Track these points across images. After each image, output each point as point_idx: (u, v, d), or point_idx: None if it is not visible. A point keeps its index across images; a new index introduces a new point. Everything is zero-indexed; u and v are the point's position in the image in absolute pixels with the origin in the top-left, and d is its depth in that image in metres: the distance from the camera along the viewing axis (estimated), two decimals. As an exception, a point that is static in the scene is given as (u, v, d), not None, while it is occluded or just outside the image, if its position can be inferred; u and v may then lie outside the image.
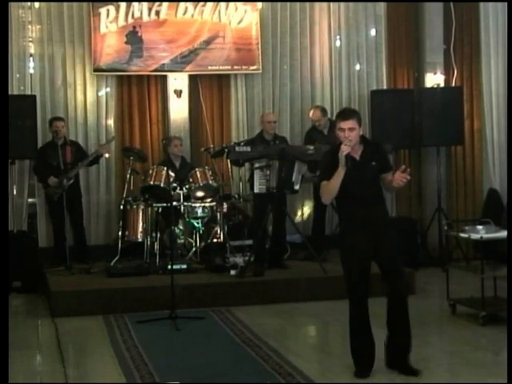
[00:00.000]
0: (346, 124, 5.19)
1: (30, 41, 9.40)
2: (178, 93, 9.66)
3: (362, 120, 5.34)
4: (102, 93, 9.61)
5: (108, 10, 9.40)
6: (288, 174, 8.22)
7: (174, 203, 8.49)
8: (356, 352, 5.32)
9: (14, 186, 9.02)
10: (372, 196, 5.27)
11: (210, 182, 8.79)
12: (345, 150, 5.12)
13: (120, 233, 8.76)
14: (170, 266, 7.22)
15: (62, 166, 8.59)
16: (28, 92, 9.24)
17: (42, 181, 8.97)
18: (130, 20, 9.48)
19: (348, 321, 5.34)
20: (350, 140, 5.16)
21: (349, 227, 5.29)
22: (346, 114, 5.30)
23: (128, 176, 8.95)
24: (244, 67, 9.82)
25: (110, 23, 9.42)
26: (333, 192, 5.22)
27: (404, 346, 5.28)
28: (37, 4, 9.34)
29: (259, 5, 9.85)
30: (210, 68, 9.72)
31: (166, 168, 8.48)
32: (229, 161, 9.11)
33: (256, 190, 8.38)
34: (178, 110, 9.74)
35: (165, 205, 8.51)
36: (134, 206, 8.75)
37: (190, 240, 8.87)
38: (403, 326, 5.28)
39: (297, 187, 8.41)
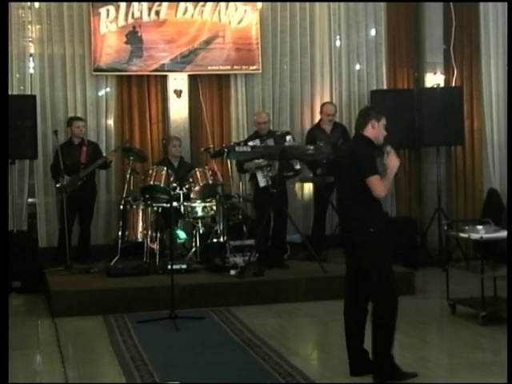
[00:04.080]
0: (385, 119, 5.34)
1: (30, 41, 9.40)
2: (178, 93, 9.66)
3: None
4: (102, 93, 9.61)
5: (108, 10, 9.40)
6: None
7: (174, 203, 8.49)
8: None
9: (14, 186, 9.03)
10: None
11: (210, 181, 8.79)
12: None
13: (120, 233, 8.76)
14: (169, 266, 7.23)
15: (70, 164, 8.66)
16: (28, 92, 9.24)
17: (55, 179, 8.98)
18: (130, 20, 9.48)
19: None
20: None
21: (381, 225, 5.23)
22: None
23: (128, 176, 8.95)
24: (244, 67, 9.82)
25: (109, 23, 9.42)
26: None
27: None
28: (37, 4, 9.34)
29: (259, 5, 9.85)
30: (209, 68, 9.72)
31: (165, 168, 8.48)
32: (229, 162, 9.12)
33: (262, 184, 8.40)
34: (178, 110, 9.74)
35: (165, 205, 8.51)
36: (134, 206, 8.75)
37: (190, 240, 8.87)
38: None
39: (298, 166, 8.40)
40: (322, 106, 9.48)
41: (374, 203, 5.18)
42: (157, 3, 9.51)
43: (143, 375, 5.42)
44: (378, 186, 5.11)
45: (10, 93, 8.57)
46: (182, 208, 8.68)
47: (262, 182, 8.42)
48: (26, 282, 8.37)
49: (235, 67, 9.80)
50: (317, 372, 5.44)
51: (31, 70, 9.38)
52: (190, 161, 9.56)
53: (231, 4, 9.70)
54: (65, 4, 9.37)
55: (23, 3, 9.31)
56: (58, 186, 8.73)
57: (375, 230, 5.14)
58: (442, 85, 10.06)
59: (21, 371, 5.65)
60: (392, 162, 5.16)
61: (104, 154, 9.18)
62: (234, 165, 9.13)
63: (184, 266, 8.09)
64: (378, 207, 5.26)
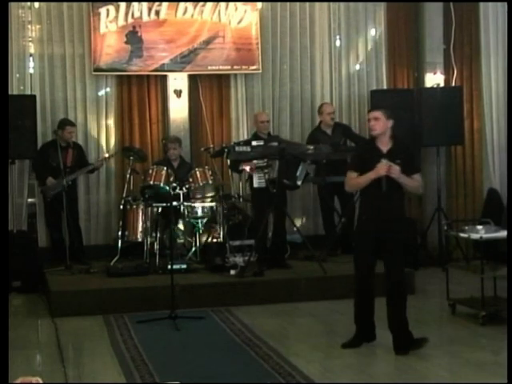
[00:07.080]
0: (372, 114, 5.78)
1: (30, 41, 9.39)
2: (178, 93, 9.66)
3: (390, 115, 5.77)
4: (102, 93, 9.61)
5: (108, 10, 9.40)
6: (293, 167, 8.20)
7: (174, 203, 8.48)
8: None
9: (14, 186, 9.02)
10: (390, 191, 5.70)
11: (210, 181, 8.78)
12: (383, 170, 5.62)
13: (120, 233, 8.77)
14: (169, 266, 7.22)
15: (62, 167, 8.59)
16: (28, 92, 9.23)
17: (40, 180, 8.97)
18: (130, 20, 9.48)
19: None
20: (375, 129, 5.72)
21: (361, 218, 5.88)
22: (373, 107, 6.12)
23: (128, 176, 8.96)
24: (244, 67, 9.82)
25: (109, 23, 9.42)
26: (356, 188, 5.99)
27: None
28: (37, 4, 9.34)
29: (259, 5, 9.85)
30: (209, 68, 9.72)
31: (165, 168, 8.47)
32: (228, 164, 9.10)
33: (255, 185, 8.38)
34: (178, 109, 9.73)
35: (165, 205, 8.51)
36: (134, 206, 8.75)
37: (190, 240, 8.87)
38: None
39: (299, 183, 8.37)
40: (321, 107, 9.47)
41: (363, 194, 5.86)
42: (157, 3, 9.51)
43: (143, 375, 5.42)
44: (346, 180, 5.84)
45: (10, 93, 8.56)
46: (182, 208, 8.68)
47: (256, 183, 8.40)
48: (25, 282, 8.36)
49: (235, 67, 9.80)
50: (317, 372, 5.44)
51: (31, 70, 9.37)
52: (190, 161, 9.55)
53: (231, 4, 9.70)
54: (65, 4, 9.37)
55: (23, 3, 9.31)
56: (48, 186, 8.76)
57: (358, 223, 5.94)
58: (441, 85, 10.06)
59: (21, 371, 5.63)
60: (378, 168, 5.60)
61: (97, 156, 9.19)
62: (228, 164, 9.01)
63: (184, 266, 8.09)
64: (364, 198, 5.88)
